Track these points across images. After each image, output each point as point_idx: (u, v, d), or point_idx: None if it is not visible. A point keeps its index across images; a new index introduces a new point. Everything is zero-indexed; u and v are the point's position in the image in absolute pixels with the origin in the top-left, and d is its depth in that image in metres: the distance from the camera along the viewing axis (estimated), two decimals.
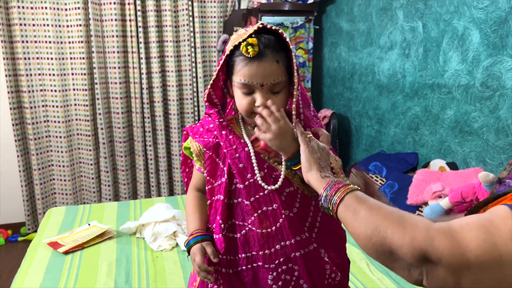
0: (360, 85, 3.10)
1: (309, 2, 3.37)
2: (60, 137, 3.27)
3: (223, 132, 0.98)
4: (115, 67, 3.23)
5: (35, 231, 3.26)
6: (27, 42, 3.07)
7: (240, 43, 0.89)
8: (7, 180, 3.31)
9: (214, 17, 3.41)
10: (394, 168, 2.52)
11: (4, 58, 3.00)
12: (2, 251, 3.10)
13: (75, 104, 3.27)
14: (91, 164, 3.35)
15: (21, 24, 3.02)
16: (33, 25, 3.07)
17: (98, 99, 3.22)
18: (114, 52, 3.21)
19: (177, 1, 3.30)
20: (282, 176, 0.95)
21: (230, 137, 0.97)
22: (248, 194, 0.93)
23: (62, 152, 3.30)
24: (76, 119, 3.30)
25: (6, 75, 3.03)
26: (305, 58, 3.52)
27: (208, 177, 0.98)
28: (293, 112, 0.91)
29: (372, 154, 2.83)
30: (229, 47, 0.92)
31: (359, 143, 3.18)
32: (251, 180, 0.94)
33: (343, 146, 3.37)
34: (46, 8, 3.05)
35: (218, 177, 0.97)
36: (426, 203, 2.12)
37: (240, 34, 0.92)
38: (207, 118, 1.03)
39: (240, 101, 0.93)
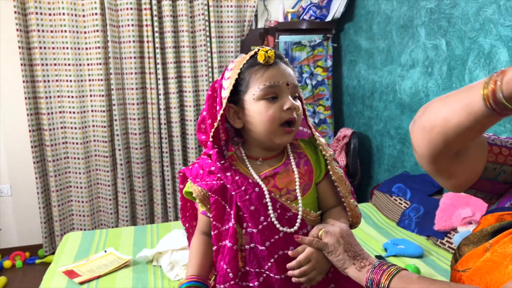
0: (381, 103, 3.02)
1: (327, 20, 3.33)
2: (78, 158, 3.26)
3: (228, 174, 0.90)
4: (131, 73, 3.22)
5: (53, 253, 3.24)
6: (45, 48, 3.07)
7: (244, 64, 0.91)
8: (26, 202, 3.32)
9: (231, 36, 3.39)
10: (418, 191, 2.42)
11: (23, 79, 3.03)
12: (20, 274, 3.09)
13: (93, 126, 3.27)
14: (109, 186, 3.33)
15: (38, 31, 3.03)
16: (51, 31, 3.07)
17: (116, 120, 3.21)
18: (131, 57, 3.20)
19: (193, 6, 3.29)
20: (299, 217, 0.89)
21: (237, 178, 0.90)
22: (262, 239, 0.86)
23: (80, 173, 3.29)
24: (94, 140, 3.30)
25: (25, 98, 3.05)
26: (323, 76, 3.47)
27: (214, 222, 0.91)
28: (307, 113, 0.99)
29: (395, 176, 2.74)
30: (234, 73, 0.91)
31: (381, 163, 3.08)
32: (265, 223, 0.87)
33: (364, 166, 3.28)
34: (63, 14, 3.06)
35: (225, 222, 0.90)
36: (455, 229, 2.01)
37: (239, 61, 0.93)
38: (206, 159, 0.94)
39: (267, 112, 0.88)
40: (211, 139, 0.93)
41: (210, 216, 0.91)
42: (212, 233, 0.91)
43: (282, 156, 0.96)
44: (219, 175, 0.91)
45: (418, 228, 2.23)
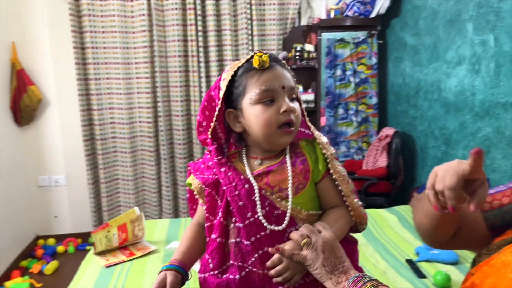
0: (426, 102, 2.90)
1: (371, 16, 3.24)
2: (126, 152, 3.44)
3: (222, 169, 0.93)
4: (176, 71, 3.32)
5: None
6: (96, 48, 3.26)
7: (239, 68, 0.92)
8: (79, 192, 3.55)
9: (274, 34, 3.40)
10: None
11: (77, 77, 3.24)
12: (72, 259, 3.30)
13: (140, 121, 3.42)
14: (153, 179, 3.47)
15: (91, 31, 3.22)
16: (103, 32, 3.26)
17: (160, 116, 3.34)
18: (175, 56, 3.31)
19: (236, 5, 3.34)
20: (288, 215, 0.89)
21: (230, 173, 0.92)
22: (248, 234, 0.88)
23: (127, 167, 3.46)
24: (140, 135, 3.45)
25: (79, 94, 3.27)
26: (367, 74, 3.39)
27: (207, 214, 0.95)
28: (305, 113, 0.98)
29: None
30: (228, 75, 0.93)
31: (424, 164, 2.96)
32: (252, 219, 0.88)
33: (408, 167, 3.16)
34: (114, 15, 3.23)
35: (216, 215, 0.93)
36: None
37: (235, 63, 0.95)
38: (207, 154, 1.00)
39: (263, 115, 0.89)
40: (210, 137, 0.96)
41: (205, 209, 0.95)
42: (205, 225, 0.95)
43: (280, 156, 0.96)
44: (214, 169, 0.94)
45: None
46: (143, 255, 1.98)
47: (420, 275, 1.75)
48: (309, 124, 1.00)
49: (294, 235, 0.86)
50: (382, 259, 1.92)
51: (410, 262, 1.86)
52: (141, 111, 3.39)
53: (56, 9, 3.24)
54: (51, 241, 3.49)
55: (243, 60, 0.94)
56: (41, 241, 3.49)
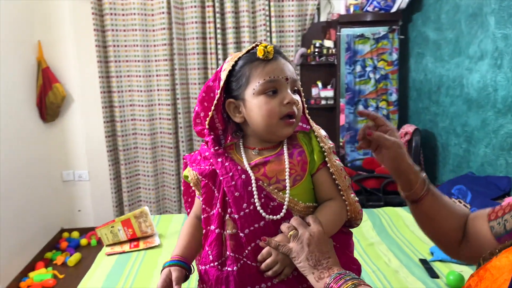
0: (447, 99, 2.82)
1: (392, 11, 3.18)
2: (146, 148, 3.50)
3: (219, 160, 0.94)
4: (194, 68, 3.36)
5: None
6: (118, 46, 3.34)
7: (239, 58, 0.93)
8: (101, 187, 3.64)
9: (292, 31, 3.38)
10: (481, 193, 2.23)
11: (99, 75, 3.32)
12: (94, 252, 3.39)
13: (160, 118, 3.48)
14: (173, 175, 3.52)
15: (113, 30, 3.30)
16: (124, 30, 3.33)
17: (179, 113, 3.39)
18: (194, 53, 3.34)
19: (255, 1, 3.34)
20: (285, 206, 0.88)
21: (226, 164, 0.92)
22: (243, 225, 0.87)
23: (147, 162, 3.53)
24: (160, 132, 3.51)
25: (101, 92, 3.35)
26: (387, 70, 3.32)
27: (203, 206, 0.94)
28: (305, 105, 0.98)
29: (457, 176, 2.54)
30: (229, 65, 0.93)
31: (446, 162, 2.88)
32: (247, 210, 0.88)
33: (428, 165, 3.09)
34: (135, 14, 3.29)
35: (213, 206, 0.93)
36: None
37: (235, 54, 0.95)
38: (203, 145, 1.00)
39: (266, 106, 0.89)
40: (207, 127, 0.96)
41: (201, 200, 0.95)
42: (202, 216, 0.95)
43: (278, 147, 0.96)
44: (211, 160, 0.94)
45: None
46: (147, 248, 2.06)
47: (433, 274, 1.71)
48: (308, 116, 1.00)
49: (283, 226, 0.86)
50: (395, 258, 1.88)
51: (423, 261, 1.82)
52: (161, 108, 3.45)
53: (79, 9, 3.33)
54: (75, 234, 3.60)
55: (244, 51, 0.95)
56: (65, 234, 3.61)
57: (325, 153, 0.93)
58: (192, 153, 1.03)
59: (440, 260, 1.82)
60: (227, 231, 0.90)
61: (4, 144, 2.78)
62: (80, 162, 3.62)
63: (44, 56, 3.31)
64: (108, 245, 2.11)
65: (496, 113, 2.29)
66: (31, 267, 3.03)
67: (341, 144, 3.47)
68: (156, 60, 3.38)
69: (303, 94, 0.98)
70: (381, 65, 3.32)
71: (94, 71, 3.36)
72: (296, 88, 0.95)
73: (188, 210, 1.10)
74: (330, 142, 0.96)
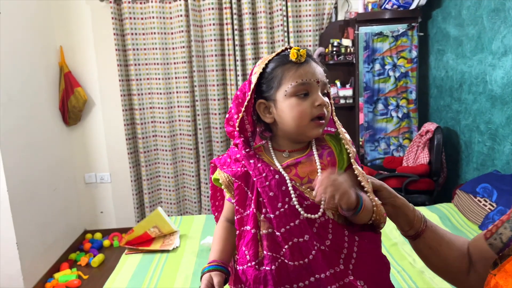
0: (470, 96, 2.77)
1: (411, 8, 3.14)
2: (166, 150, 3.54)
3: (251, 161, 0.95)
4: (213, 70, 3.38)
5: None
6: (137, 49, 3.38)
7: (269, 61, 0.96)
8: (122, 189, 3.69)
9: (310, 30, 3.37)
10: (507, 192, 2.18)
11: (119, 78, 3.37)
12: (116, 253, 3.45)
13: (179, 120, 3.51)
14: (193, 176, 3.55)
15: (132, 34, 3.34)
16: (143, 34, 3.37)
17: (198, 115, 3.41)
18: (212, 55, 3.36)
19: (272, 2, 3.34)
20: (322, 206, 0.89)
21: (259, 165, 0.94)
22: (278, 225, 0.88)
23: (167, 164, 3.56)
24: (180, 134, 3.54)
25: (121, 95, 3.40)
26: (407, 68, 3.28)
27: (237, 207, 0.95)
28: (333, 108, 0.99)
29: (482, 175, 2.49)
30: (260, 68, 0.95)
31: (469, 160, 2.83)
32: (282, 209, 0.89)
33: (451, 164, 3.04)
34: (153, 18, 3.33)
35: (247, 207, 0.94)
36: None
37: (266, 57, 0.98)
38: (233, 148, 1.01)
39: (298, 107, 0.92)
40: (237, 129, 0.98)
41: (234, 202, 0.96)
42: (235, 218, 0.96)
43: (307, 149, 0.97)
44: (243, 162, 0.96)
45: None
46: (163, 250, 2.09)
47: None
48: (335, 118, 1.01)
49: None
50: (419, 258, 1.85)
51: None
52: (181, 110, 3.48)
53: (99, 14, 3.38)
54: (98, 235, 3.66)
55: (273, 54, 0.97)
56: (88, 235, 3.67)
57: (350, 155, 0.94)
58: (219, 156, 1.04)
59: None
60: (263, 231, 0.91)
61: (29, 148, 2.84)
62: (102, 165, 3.68)
63: (65, 61, 3.38)
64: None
65: None
66: (56, 268, 3.09)
67: (360, 143, 3.44)
68: (175, 63, 3.41)
69: (332, 96, 0.99)
70: (400, 62, 3.29)
71: (114, 75, 3.41)
72: (326, 91, 0.97)
73: (216, 214, 1.12)
74: (354, 148, 0.98)
